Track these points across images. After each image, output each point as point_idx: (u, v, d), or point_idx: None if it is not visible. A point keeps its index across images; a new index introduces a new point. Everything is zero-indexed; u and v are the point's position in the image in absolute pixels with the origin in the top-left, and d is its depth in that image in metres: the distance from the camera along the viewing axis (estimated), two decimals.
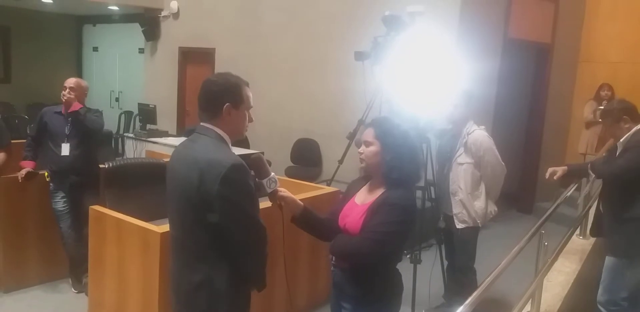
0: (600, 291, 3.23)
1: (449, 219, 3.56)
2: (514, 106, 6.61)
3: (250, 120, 2.09)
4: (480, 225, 3.51)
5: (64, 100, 3.80)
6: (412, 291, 3.46)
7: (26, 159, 3.93)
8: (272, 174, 2.08)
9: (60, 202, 3.87)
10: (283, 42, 6.76)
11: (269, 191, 2.07)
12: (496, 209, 3.58)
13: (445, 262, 3.82)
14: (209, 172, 1.88)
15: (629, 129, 3.15)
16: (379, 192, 2.12)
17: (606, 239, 3.31)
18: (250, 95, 2.07)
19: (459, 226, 3.51)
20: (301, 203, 2.18)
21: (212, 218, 1.90)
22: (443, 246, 3.82)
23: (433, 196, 3.83)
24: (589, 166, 3.40)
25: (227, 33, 7.40)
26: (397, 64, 3.81)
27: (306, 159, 6.52)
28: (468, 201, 3.46)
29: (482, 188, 3.49)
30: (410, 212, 2.08)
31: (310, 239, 2.34)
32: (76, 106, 3.78)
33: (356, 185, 2.29)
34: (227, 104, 1.98)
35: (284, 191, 2.12)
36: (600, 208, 3.40)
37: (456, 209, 3.50)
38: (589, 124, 6.44)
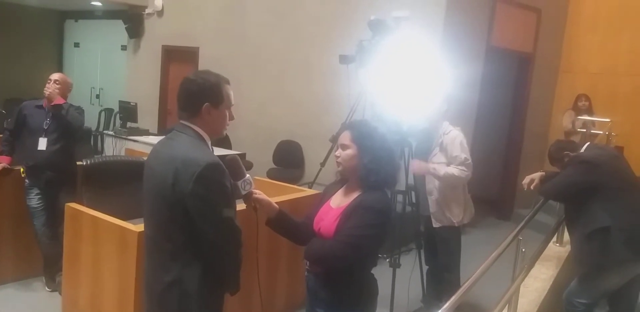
0: (568, 288, 3.31)
1: (428, 219, 3.59)
2: (495, 113, 6.68)
3: (232, 118, 2.06)
4: (456, 224, 3.54)
5: (48, 92, 3.73)
6: (390, 295, 3.47)
7: (2, 154, 3.87)
8: (247, 175, 2.05)
9: (34, 199, 3.80)
10: (268, 44, 6.74)
11: (243, 193, 2.05)
12: (473, 210, 3.64)
13: (425, 267, 3.84)
14: (184, 170, 1.85)
15: None
16: (354, 195, 2.11)
17: (572, 250, 3.38)
18: (231, 93, 2.04)
19: (435, 225, 3.57)
20: (276, 206, 2.16)
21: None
22: (422, 250, 3.83)
23: (414, 200, 3.85)
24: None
25: (212, 32, 7.36)
26: (381, 68, 3.82)
27: (288, 161, 6.50)
28: (444, 200, 3.51)
29: (459, 188, 3.51)
30: (385, 216, 2.06)
31: (290, 242, 2.33)
32: (59, 100, 3.73)
33: (332, 188, 2.28)
34: (207, 103, 1.95)
35: (259, 193, 2.10)
36: None
37: (432, 209, 3.56)
38: (567, 134, 6.53)
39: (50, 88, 3.73)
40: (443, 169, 3.42)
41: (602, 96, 6.75)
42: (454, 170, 3.40)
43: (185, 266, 1.94)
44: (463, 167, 3.40)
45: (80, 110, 3.91)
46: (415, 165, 3.54)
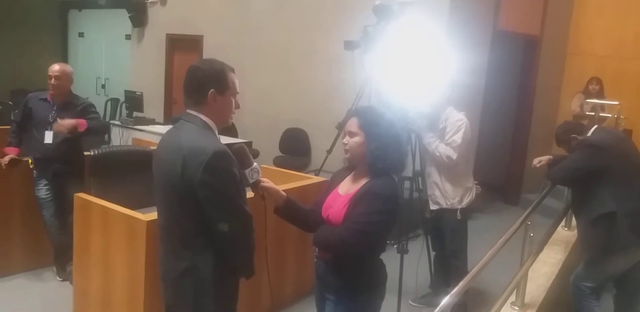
0: (574, 272, 3.32)
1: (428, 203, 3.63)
2: (503, 98, 6.64)
3: (237, 106, 2.07)
4: (451, 207, 3.53)
5: (65, 129, 3.62)
6: (398, 280, 3.48)
7: (10, 146, 3.88)
8: (255, 164, 2.06)
9: (43, 190, 3.82)
10: (272, 31, 6.70)
11: (251, 181, 2.06)
12: (474, 196, 3.61)
13: (433, 253, 3.84)
14: (192, 159, 1.87)
15: None
16: (362, 182, 2.11)
17: (579, 235, 3.38)
18: (236, 81, 2.04)
19: (432, 207, 3.60)
20: (284, 194, 2.17)
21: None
22: (430, 236, 3.84)
23: (420, 186, 3.85)
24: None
25: (216, 20, 7.32)
26: (387, 53, 3.79)
27: (295, 148, 6.50)
28: (440, 181, 3.53)
29: (456, 170, 3.51)
30: (393, 202, 2.07)
31: (298, 229, 2.34)
32: (82, 126, 3.67)
33: (340, 175, 2.28)
34: (212, 90, 1.96)
35: (266, 182, 2.11)
36: None
37: (430, 191, 3.59)
38: (576, 118, 6.48)
39: (65, 126, 3.60)
40: (435, 143, 3.45)
41: (611, 79, 6.67)
42: (441, 147, 3.42)
43: (198, 253, 1.97)
44: (450, 149, 3.40)
45: (94, 111, 3.92)
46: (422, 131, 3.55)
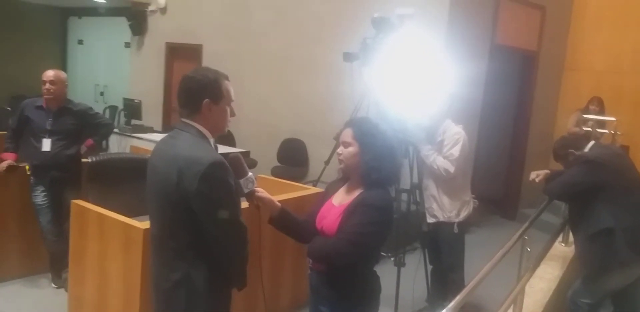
0: (572, 288, 3.31)
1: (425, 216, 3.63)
2: (500, 112, 6.66)
3: (233, 114, 2.05)
4: (448, 220, 3.53)
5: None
6: (395, 294, 3.47)
7: (7, 151, 3.87)
8: (250, 174, 2.05)
9: (40, 196, 3.81)
10: (272, 41, 6.73)
11: (246, 191, 2.05)
12: (471, 210, 3.61)
13: (430, 266, 3.83)
14: (188, 169, 1.85)
15: None
16: (356, 193, 2.11)
17: (576, 251, 3.39)
18: (231, 89, 2.03)
19: (429, 220, 3.60)
20: (279, 204, 2.16)
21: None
22: (427, 250, 3.83)
23: (418, 199, 3.84)
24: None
25: (215, 29, 7.35)
26: (385, 66, 3.81)
27: (293, 159, 6.50)
28: (438, 195, 3.53)
29: (453, 183, 3.52)
30: (386, 213, 2.07)
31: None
32: (89, 143, 3.97)
33: (334, 186, 2.28)
34: (207, 100, 1.95)
35: (261, 192, 2.10)
36: None
37: (427, 204, 3.60)
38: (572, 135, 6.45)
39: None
40: (433, 156, 3.46)
41: (608, 94, 6.68)
42: (438, 160, 3.43)
43: (192, 264, 1.95)
44: (448, 162, 3.41)
45: (94, 113, 4.07)
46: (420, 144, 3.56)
